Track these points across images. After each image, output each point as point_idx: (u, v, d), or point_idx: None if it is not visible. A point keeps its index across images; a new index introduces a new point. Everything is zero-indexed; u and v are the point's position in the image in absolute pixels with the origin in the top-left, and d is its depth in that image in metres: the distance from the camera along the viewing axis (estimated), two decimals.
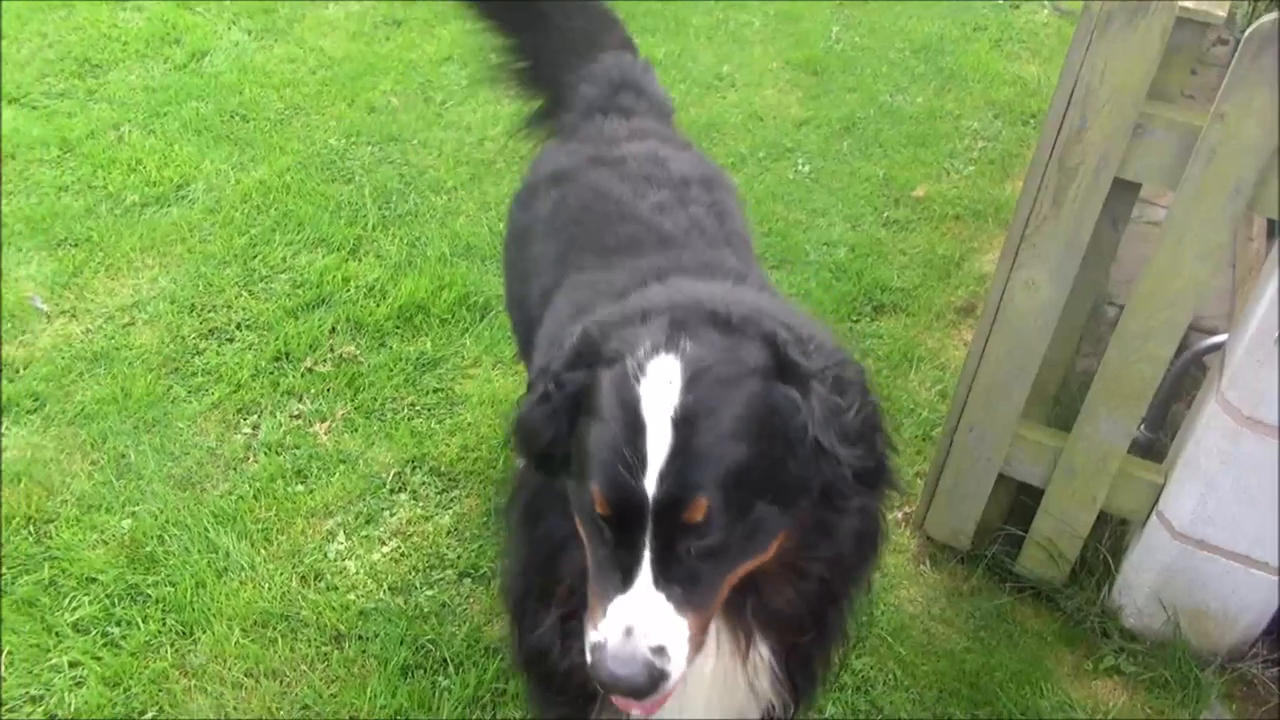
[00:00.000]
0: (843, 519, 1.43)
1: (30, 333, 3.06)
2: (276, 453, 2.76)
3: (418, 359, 3.07)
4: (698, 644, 1.34)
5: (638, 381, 1.28)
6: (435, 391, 2.98)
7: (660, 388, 1.27)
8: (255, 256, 3.41)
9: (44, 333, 3.06)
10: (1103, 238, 2.12)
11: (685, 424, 1.26)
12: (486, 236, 3.52)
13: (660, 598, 1.29)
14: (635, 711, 1.45)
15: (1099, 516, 2.34)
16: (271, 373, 2.99)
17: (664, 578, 1.29)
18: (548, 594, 1.52)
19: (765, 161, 4.09)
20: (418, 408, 2.93)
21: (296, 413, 2.89)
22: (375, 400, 2.93)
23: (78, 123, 3.93)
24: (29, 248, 3.36)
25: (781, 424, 1.33)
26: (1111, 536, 2.42)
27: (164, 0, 4.76)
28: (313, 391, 2.94)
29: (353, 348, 3.10)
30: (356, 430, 2.84)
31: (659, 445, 1.25)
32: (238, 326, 3.15)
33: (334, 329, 3.16)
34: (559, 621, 1.51)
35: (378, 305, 3.22)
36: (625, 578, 1.29)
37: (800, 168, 4.06)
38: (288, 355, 3.04)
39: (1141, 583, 2.32)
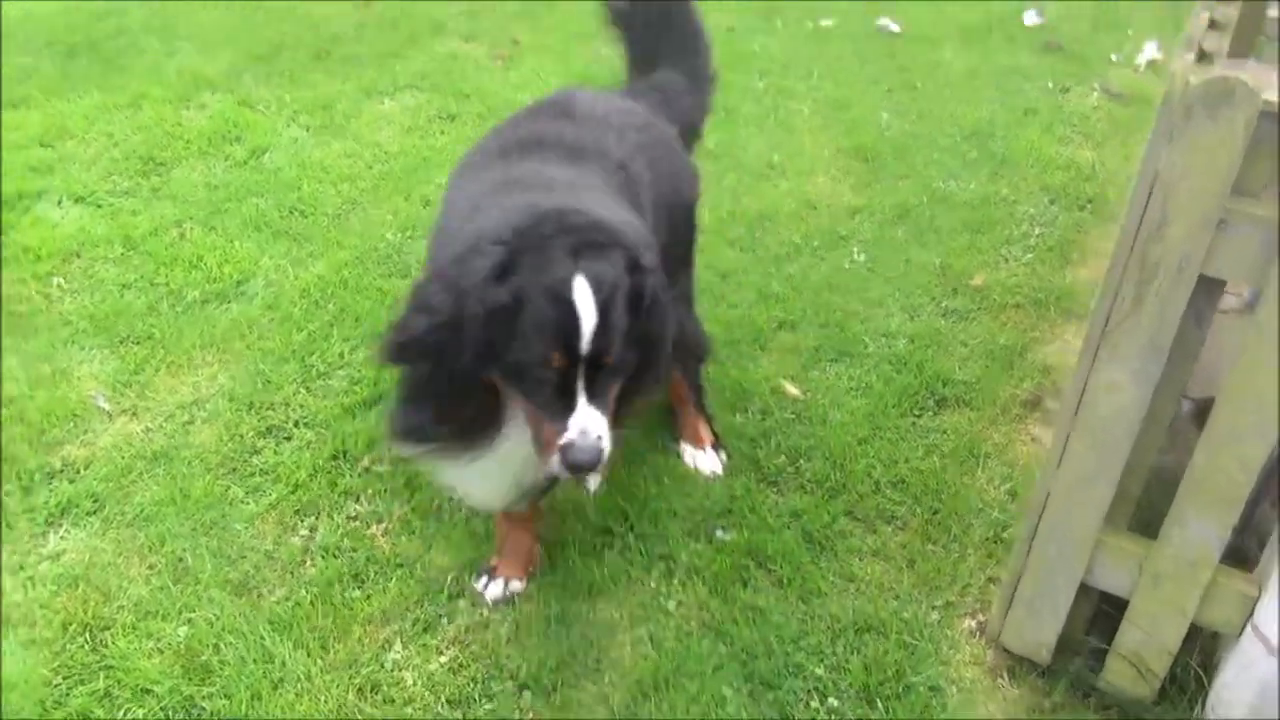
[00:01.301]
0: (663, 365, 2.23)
1: (92, 432, 3.07)
2: (334, 556, 2.72)
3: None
4: (614, 436, 2.04)
5: (569, 291, 1.95)
6: None
7: (583, 294, 1.95)
8: (313, 353, 3.41)
9: (105, 432, 3.07)
10: (1187, 336, 2.04)
11: (601, 310, 1.96)
12: None
13: (594, 410, 2.01)
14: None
15: (1189, 629, 2.23)
16: (329, 472, 2.97)
17: (592, 400, 2.01)
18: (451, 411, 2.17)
19: (820, 251, 4.06)
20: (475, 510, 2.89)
21: (354, 514, 2.86)
22: (432, 501, 2.89)
23: (141, 220, 4.00)
24: (92, 346, 3.39)
25: (641, 302, 2.04)
26: (1203, 651, 2.30)
27: (226, 98, 4.88)
28: (370, 492, 2.91)
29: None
30: (414, 532, 2.80)
31: (588, 323, 1.95)
32: (295, 424, 3.14)
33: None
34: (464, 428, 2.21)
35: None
36: (570, 404, 2.00)
37: (856, 256, 4.03)
38: (345, 454, 3.02)
39: (1237, 701, 2.20)
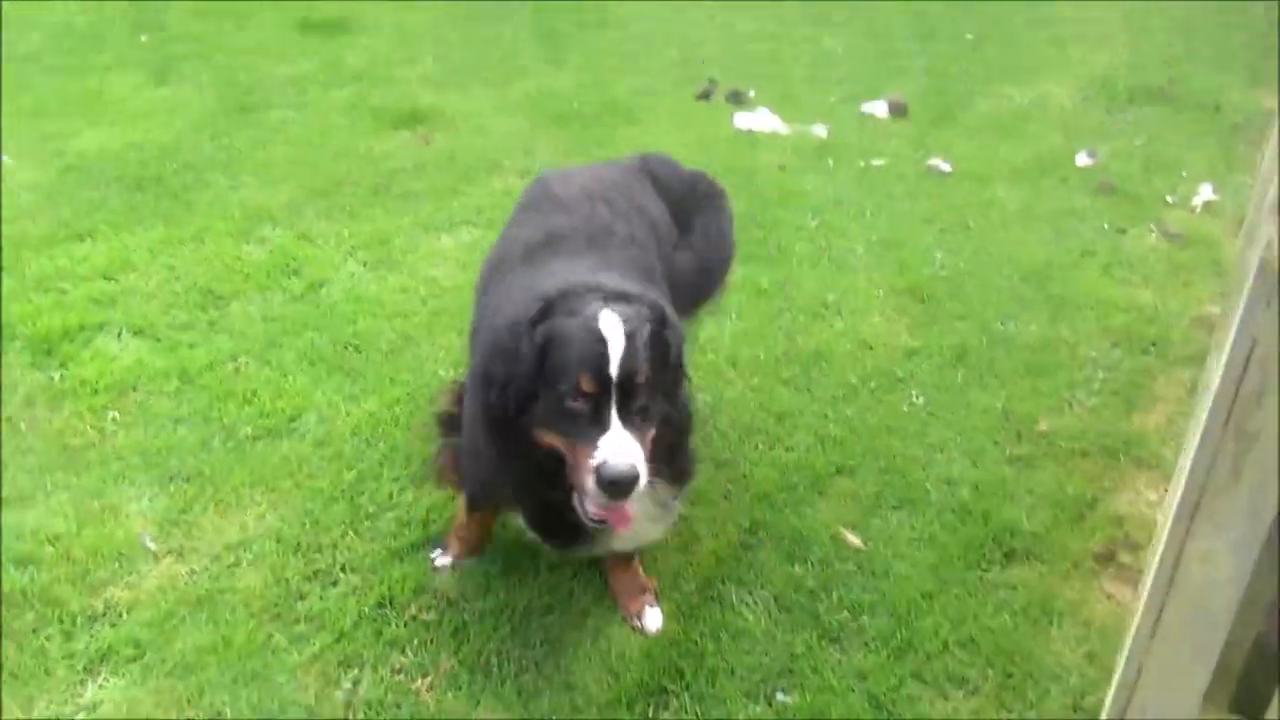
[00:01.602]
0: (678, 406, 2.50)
1: (137, 573, 3.01)
2: (377, 712, 2.61)
3: (525, 607, 2.94)
4: (648, 467, 2.22)
5: (596, 322, 2.20)
6: (543, 644, 2.83)
7: (610, 325, 2.19)
8: (363, 492, 3.36)
9: (150, 573, 3.02)
10: None
11: (629, 341, 2.19)
12: None
13: (626, 433, 2.17)
14: (620, 527, 2.33)
15: None
16: (374, 620, 2.88)
17: (624, 424, 2.17)
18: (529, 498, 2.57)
19: (878, 393, 3.98)
20: (525, 662, 2.78)
21: (398, 666, 2.75)
22: (480, 653, 2.79)
23: (198, 354, 4.02)
24: (143, 482, 3.36)
25: (665, 353, 2.31)
26: None
27: (287, 232, 4.97)
28: (416, 642, 2.82)
29: (459, 593, 2.98)
30: (460, 688, 2.69)
31: (616, 351, 2.17)
32: (342, 569, 3.06)
33: (437, 570, 3.06)
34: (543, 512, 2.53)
35: (483, 551, 3.12)
36: (602, 428, 2.16)
37: (914, 399, 3.95)
38: (391, 601, 2.94)
39: None
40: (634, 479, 2.14)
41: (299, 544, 3.14)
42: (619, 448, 2.13)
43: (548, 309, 2.28)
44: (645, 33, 8.56)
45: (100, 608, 2.89)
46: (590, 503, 2.27)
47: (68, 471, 3.41)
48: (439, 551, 3.09)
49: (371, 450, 3.54)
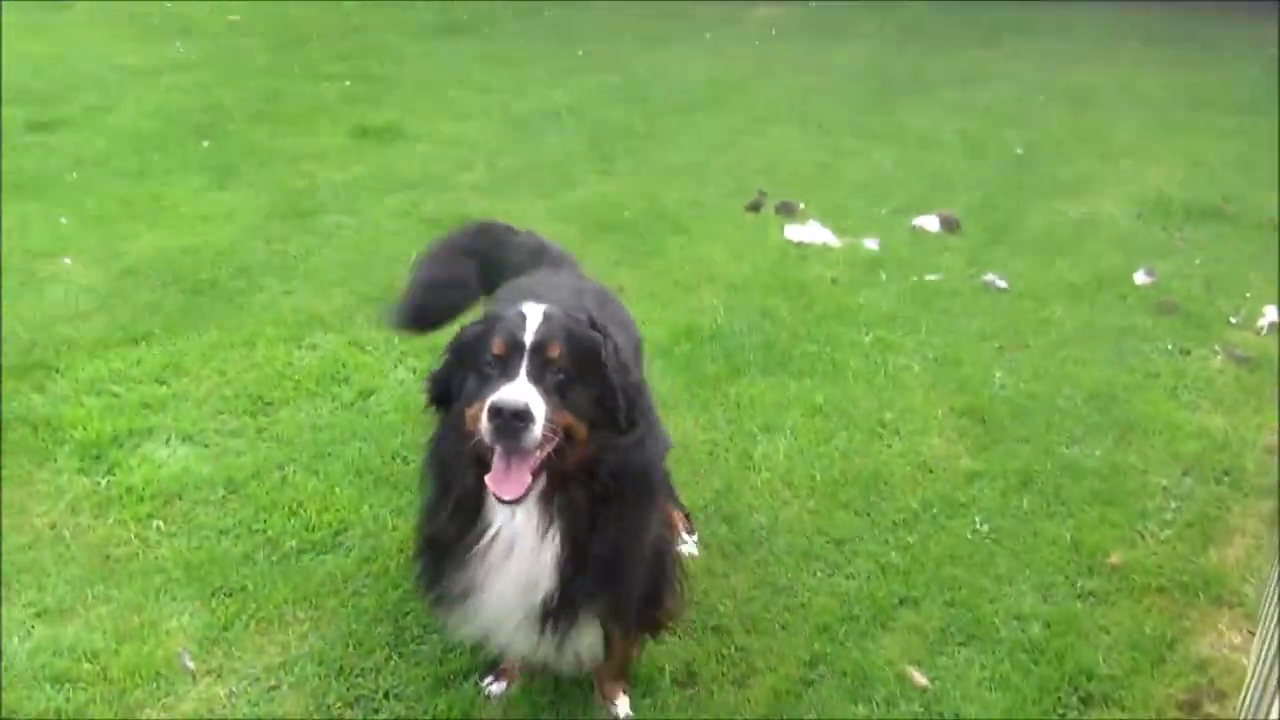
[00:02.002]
0: (620, 445, 2.36)
1: (174, 695, 2.91)
2: None
3: None
4: (541, 456, 2.26)
5: (519, 306, 2.34)
6: None
7: (532, 310, 2.33)
8: (408, 613, 3.26)
9: (188, 695, 2.92)
10: None
11: (546, 319, 2.30)
12: None
13: (531, 386, 2.21)
14: (507, 494, 2.24)
15: None
16: None
17: (533, 382, 2.21)
18: (448, 489, 2.45)
19: (939, 518, 3.84)
20: None
21: None
22: None
23: (245, 462, 3.97)
24: (184, 597, 3.29)
25: (590, 346, 2.35)
26: None
27: (338, 338, 4.96)
28: None
29: None
30: None
31: (532, 324, 2.28)
32: (385, 695, 2.95)
33: (487, 699, 2.94)
34: (454, 508, 2.42)
35: (533, 678, 2.99)
36: (509, 379, 2.21)
37: (978, 526, 3.80)
38: None
39: None
40: (521, 411, 2.14)
41: (341, 667, 3.04)
42: (516, 388, 2.18)
43: (494, 307, 2.54)
44: (694, 144, 8.65)
45: None
46: (495, 463, 2.26)
47: (109, 583, 3.34)
48: (490, 678, 2.97)
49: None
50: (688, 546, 3.32)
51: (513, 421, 2.15)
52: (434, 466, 2.52)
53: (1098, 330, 5.37)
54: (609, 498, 2.40)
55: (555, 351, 2.26)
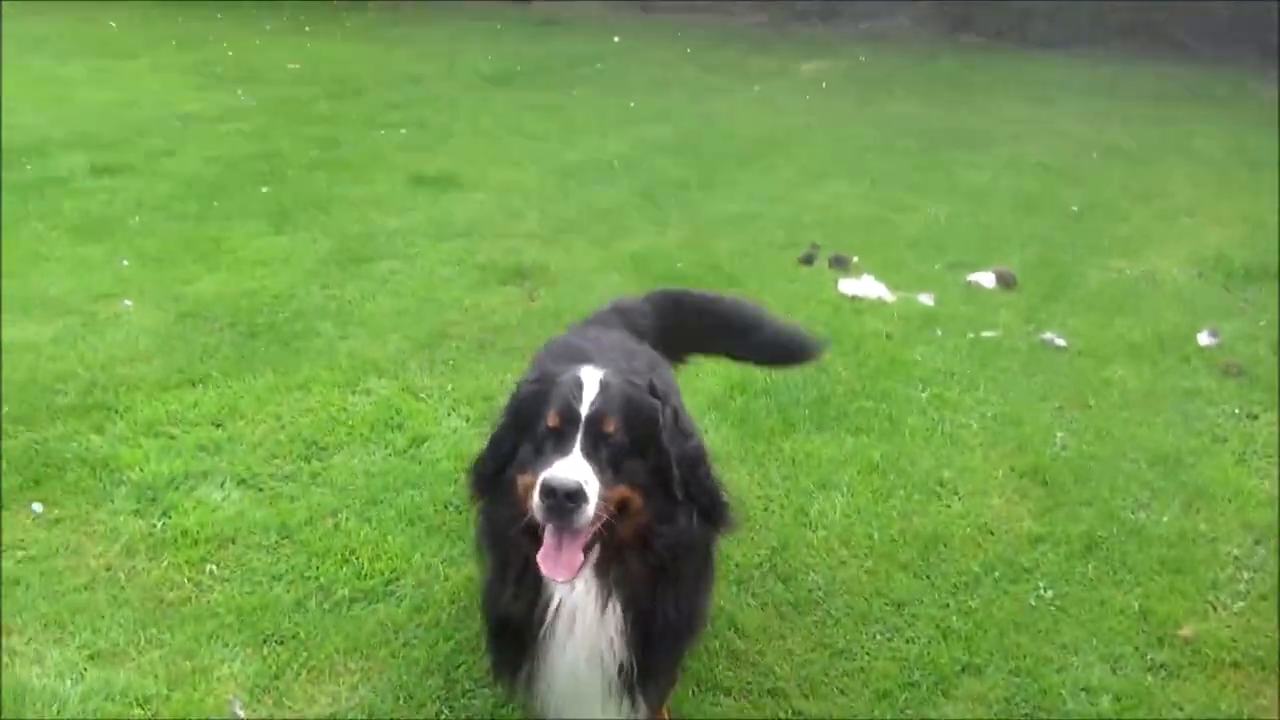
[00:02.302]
0: (678, 516, 2.30)
1: None
2: None
3: None
4: (593, 530, 2.18)
5: (575, 372, 2.29)
6: None
7: (589, 376, 2.27)
8: (459, 665, 3.21)
9: None
10: None
11: (603, 388, 2.24)
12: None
13: (585, 462, 2.14)
14: (559, 576, 2.18)
15: None
16: None
17: (587, 458, 2.15)
18: (505, 564, 2.38)
19: (1001, 583, 3.75)
20: None
21: None
22: None
23: (299, 507, 3.96)
24: (236, 643, 3.26)
25: (649, 415, 2.28)
26: None
27: (392, 384, 4.97)
28: None
29: None
30: None
31: (589, 394, 2.22)
32: None
33: None
34: (515, 584, 2.36)
35: None
36: (563, 454, 2.15)
37: (1042, 592, 3.70)
38: None
39: None
40: (574, 492, 2.08)
41: None
42: (569, 465, 2.13)
43: (546, 366, 2.47)
44: (746, 196, 8.66)
45: None
46: (546, 541, 2.21)
47: (162, 627, 3.33)
48: None
49: (470, 619, 3.40)
50: None
51: (565, 502, 2.09)
52: (488, 539, 2.47)
53: (1161, 392, 5.26)
54: (665, 567, 2.35)
55: (611, 426, 2.21)
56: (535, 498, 2.12)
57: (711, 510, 2.39)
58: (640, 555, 2.31)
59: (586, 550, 2.22)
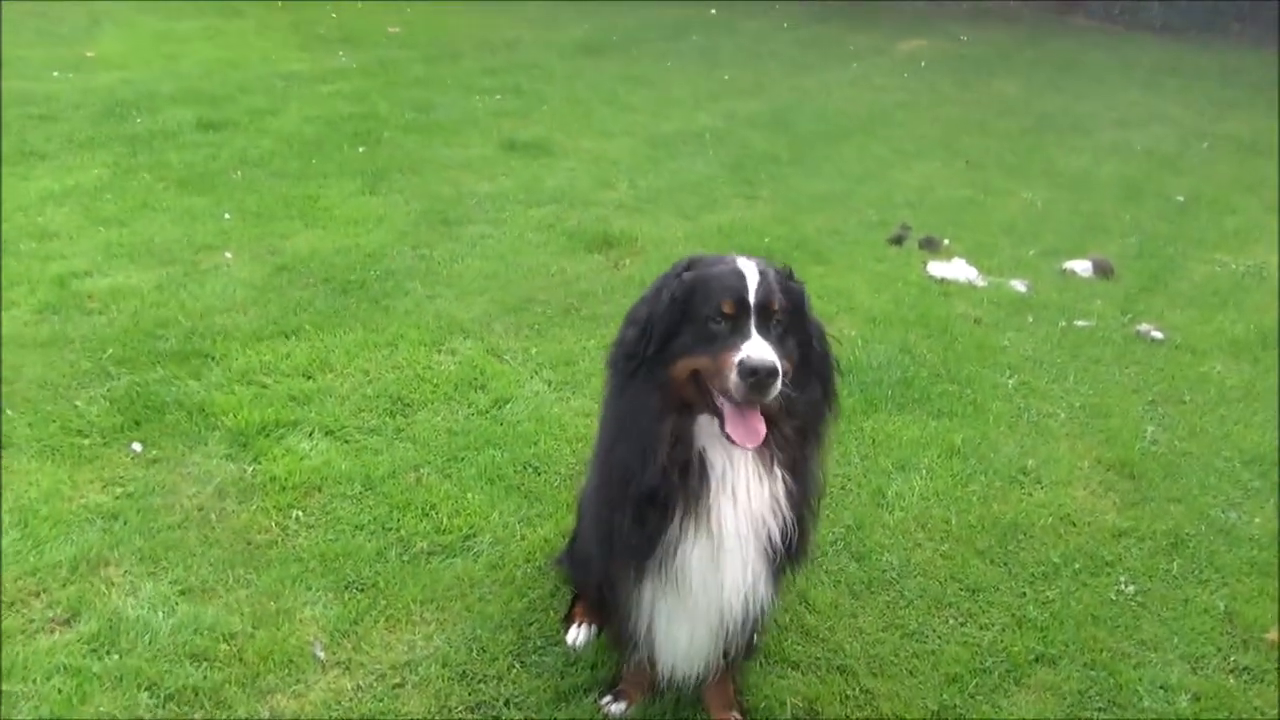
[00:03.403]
0: (811, 384, 2.48)
1: (304, 683, 2.98)
2: None
3: None
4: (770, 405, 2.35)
5: (735, 264, 2.41)
6: None
7: (747, 266, 2.40)
8: (532, 623, 3.27)
9: (317, 684, 2.98)
10: None
11: (762, 276, 2.38)
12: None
13: (765, 342, 2.32)
14: (749, 443, 2.36)
15: None
16: None
17: (764, 338, 2.32)
18: (654, 442, 2.45)
19: (1081, 575, 3.68)
20: None
21: None
22: None
23: (383, 460, 4.06)
24: (319, 587, 3.36)
25: (798, 298, 2.46)
26: None
27: (476, 345, 5.04)
28: None
29: None
30: None
31: (753, 282, 2.36)
32: (506, 703, 2.96)
33: (605, 717, 2.92)
34: (665, 466, 2.45)
35: (653, 700, 2.96)
36: (744, 337, 2.32)
37: (1124, 587, 3.63)
38: None
39: None
40: (773, 370, 2.25)
41: (465, 671, 3.06)
42: (760, 347, 2.29)
43: (690, 264, 2.48)
44: (837, 173, 8.56)
45: (266, 715, 2.86)
46: (729, 414, 2.36)
47: (249, 568, 3.44)
48: (609, 698, 2.96)
49: (544, 579, 3.46)
50: None
51: (766, 380, 2.26)
52: (628, 420, 2.49)
53: (1261, 390, 5.09)
54: (807, 430, 2.52)
55: (776, 306, 2.37)
56: (731, 376, 2.28)
57: (829, 381, 2.55)
58: (789, 421, 2.47)
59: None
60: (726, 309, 2.34)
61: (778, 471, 2.49)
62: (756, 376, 2.25)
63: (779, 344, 2.35)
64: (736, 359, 2.28)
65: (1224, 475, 4.33)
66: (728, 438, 2.36)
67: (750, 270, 2.39)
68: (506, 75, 11.19)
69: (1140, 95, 12.42)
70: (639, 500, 2.48)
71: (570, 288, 5.84)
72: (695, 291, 2.39)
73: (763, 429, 2.36)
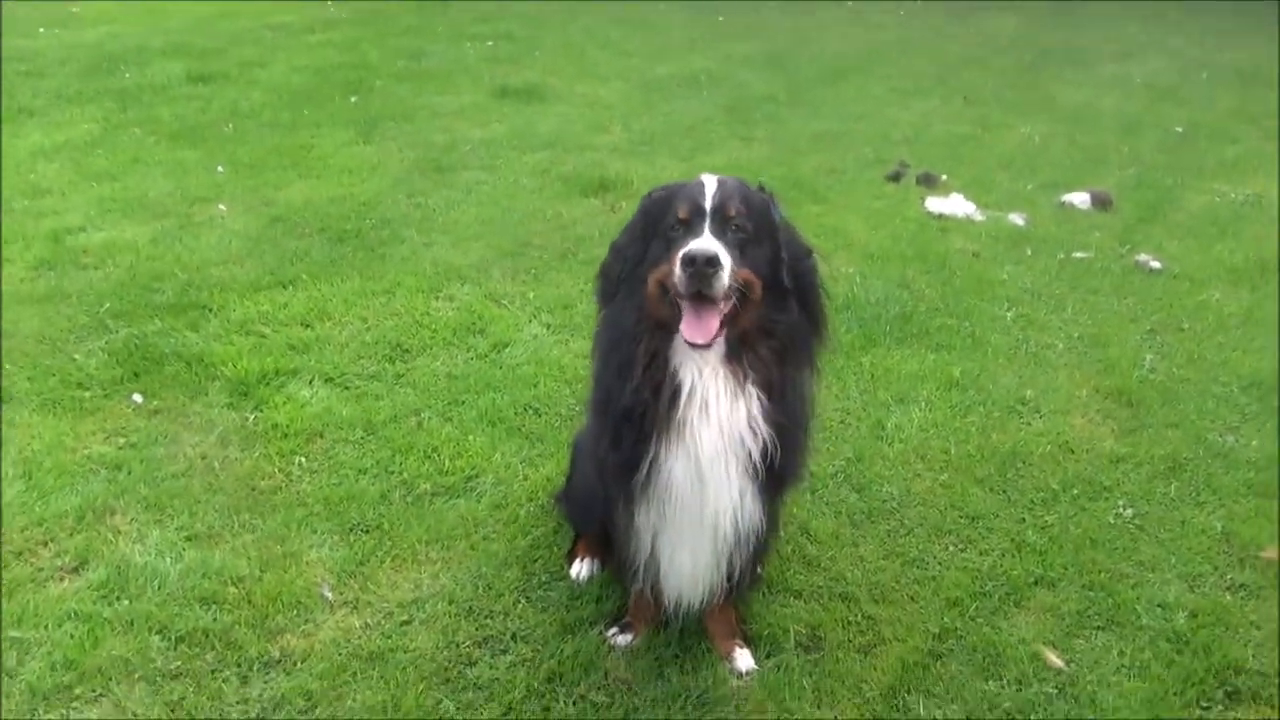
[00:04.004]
0: (789, 305, 2.48)
1: (313, 622, 3.01)
2: None
3: (700, 695, 2.80)
4: (725, 310, 2.38)
5: (698, 178, 2.43)
6: None
7: (709, 178, 2.42)
8: (536, 560, 3.30)
9: (326, 623, 3.01)
10: None
11: (721, 184, 2.41)
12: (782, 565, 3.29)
13: (715, 239, 2.33)
14: (699, 339, 2.36)
15: None
16: (543, 695, 2.79)
17: (717, 237, 2.34)
18: (630, 360, 2.49)
19: (1080, 500, 3.70)
20: None
21: None
22: None
23: (384, 405, 4.07)
24: (324, 530, 3.39)
25: (762, 207, 2.47)
26: None
27: (474, 291, 5.04)
28: None
29: (629, 674, 2.87)
30: None
31: (710, 189, 2.39)
32: (513, 637, 2.99)
33: (611, 650, 2.96)
34: (644, 373, 2.48)
35: (657, 631, 3.00)
36: (694, 238, 2.33)
37: (1121, 511, 3.65)
38: (561, 677, 2.84)
39: None
40: (711, 258, 2.27)
41: (471, 608, 3.09)
42: (704, 240, 2.32)
43: (666, 186, 2.52)
44: (834, 113, 8.50)
45: (276, 654, 2.89)
46: (685, 314, 2.37)
47: (254, 513, 3.47)
48: (615, 630, 3.00)
49: (547, 517, 3.49)
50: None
51: (705, 268, 2.28)
52: (611, 339, 2.55)
53: (1259, 317, 5.09)
54: (786, 350, 2.51)
55: (733, 210, 2.38)
56: (676, 270, 2.31)
57: (813, 304, 2.54)
58: (765, 341, 2.48)
59: (720, 326, 2.39)
60: (682, 214, 2.38)
61: (752, 390, 2.49)
62: (695, 265, 2.27)
63: (739, 250, 2.38)
64: (680, 253, 2.31)
65: (1222, 400, 4.34)
66: (685, 341, 2.38)
67: (711, 180, 2.42)
68: (499, 21, 11.08)
69: (1140, 27, 12.29)
70: (617, 420, 2.52)
71: (566, 232, 5.83)
72: (661, 206, 2.45)
73: (713, 328, 2.36)
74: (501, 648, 2.96)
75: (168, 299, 4.78)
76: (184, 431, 3.89)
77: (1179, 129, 8.33)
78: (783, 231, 2.50)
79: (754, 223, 2.43)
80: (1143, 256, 5.68)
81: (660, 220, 2.44)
